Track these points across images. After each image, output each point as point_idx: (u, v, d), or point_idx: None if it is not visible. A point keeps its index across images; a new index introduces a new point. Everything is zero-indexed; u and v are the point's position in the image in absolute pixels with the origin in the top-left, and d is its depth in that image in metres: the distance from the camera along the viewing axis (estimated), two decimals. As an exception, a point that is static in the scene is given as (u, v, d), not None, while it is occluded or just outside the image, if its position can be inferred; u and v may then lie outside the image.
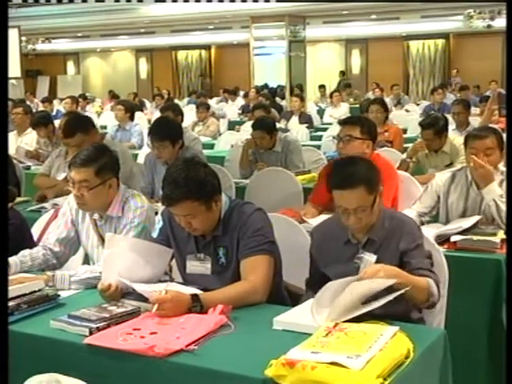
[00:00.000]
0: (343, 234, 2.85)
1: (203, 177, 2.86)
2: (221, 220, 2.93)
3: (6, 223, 1.76)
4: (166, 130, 4.95)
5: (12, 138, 7.92)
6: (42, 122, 7.18)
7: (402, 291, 2.50)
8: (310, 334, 2.31)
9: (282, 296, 3.04)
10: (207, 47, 24.04)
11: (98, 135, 5.23)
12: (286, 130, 8.08)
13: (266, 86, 16.25)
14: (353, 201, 2.71)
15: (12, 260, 3.21)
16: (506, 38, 3.33)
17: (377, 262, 2.74)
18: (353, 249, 2.83)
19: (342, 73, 21.26)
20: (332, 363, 2.05)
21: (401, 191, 4.36)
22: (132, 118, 8.81)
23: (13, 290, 2.81)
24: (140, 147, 8.25)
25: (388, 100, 8.76)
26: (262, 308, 2.73)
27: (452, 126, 6.76)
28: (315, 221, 3.75)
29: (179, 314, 2.56)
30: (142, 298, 2.70)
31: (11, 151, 7.46)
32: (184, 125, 6.68)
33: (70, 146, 5.12)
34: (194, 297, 2.64)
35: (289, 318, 2.50)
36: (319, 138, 8.80)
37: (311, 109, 13.78)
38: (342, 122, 4.38)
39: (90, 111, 13.87)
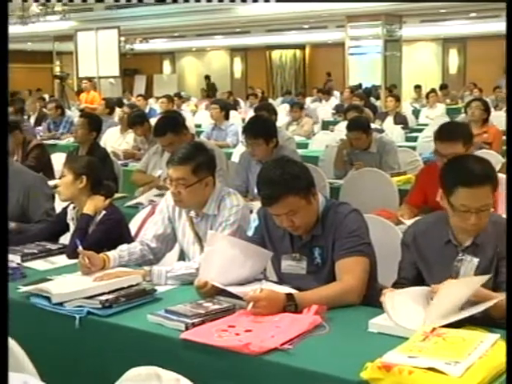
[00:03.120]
0: (444, 234, 2.77)
1: (298, 172, 2.86)
2: (319, 219, 2.91)
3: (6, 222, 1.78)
4: (260, 128, 4.98)
5: (115, 134, 8.21)
6: (137, 120, 7.35)
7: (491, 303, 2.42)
8: (406, 338, 2.27)
9: (377, 298, 3.00)
10: (302, 46, 24.04)
11: (189, 135, 5.30)
12: (381, 131, 7.98)
13: (360, 85, 16.10)
14: (480, 199, 2.59)
15: (111, 254, 3.28)
16: (506, 38, 3.17)
17: (477, 266, 2.66)
18: (452, 250, 2.74)
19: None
20: (429, 369, 2.01)
21: (500, 195, 4.22)
22: (227, 117, 8.87)
23: (111, 283, 2.89)
24: (235, 146, 8.32)
25: (488, 101, 8.53)
26: (356, 310, 2.70)
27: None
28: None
29: (274, 313, 2.56)
30: (237, 296, 2.71)
31: (113, 146, 7.71)
32: (278, 124, 6.69)
33: (162, 145, 5.23)
34: (289, 296, 2.63)
35: (385, 321, 2.46)
36: (414, 139, 8.65)
37: (406, 109, 13.55)
38: (442, 138, 4.12)
39: (185, 110, 14.07)
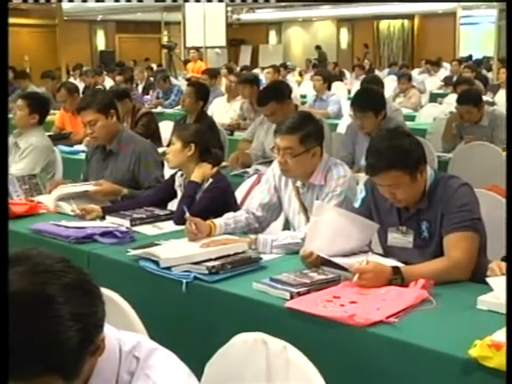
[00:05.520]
0: None
1: (408, 146, 2.80)
2: (426, 193, 2.85)
3: (6, 222, 1.80)
4: (369, 101, 4.92)
5: (221, 103, 8.31)
6: (250, 78, 7.53)
7: None
8: (517, 317, 2.20)
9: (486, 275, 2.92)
10: (410, 16, 23.48)
11: (292, 105, 5.27)
12: (492, 104, 7.73)
13: (470, 57, 15.62)
14: None
15: (217, 221, 3.33)
16: (506, 37, 2.95)
17: None
18: None
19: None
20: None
21: None
22: (329, 88, 8.85)
23: (218, 250, 2.93)
24: (336, 116, 8.27)
25: None
26: (465, 286, 2.64)
27: None
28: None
29: (379, 286, 2.54)
30: (342, 267, 2.70)
31: (221, 115, 7.80)
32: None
33: (264, 115, 5.22)
34: (396, 269, 2.60)
35: (495, 299, 2.39)
36: (529, 113, 8.33)
37: (520, 82, 13.03)
38: None
39: (291, 80, 14.03)
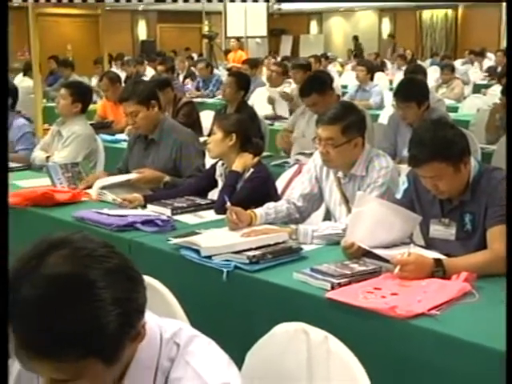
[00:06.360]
0: None
1: (451, 137, 2.76)
2: (469, 184, 2.81)
3: (6, 220, 1.80)
4: (413, 91, 4.87)
5: (262, 93, 8.34)
6: (303, 64, 7.66)
7: None
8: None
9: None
10: (454, 6, 23.14)
11: (335, 96, 5.24)
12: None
13: (515, 47, 15.32)
14: None
15: (258, 211, 3.32)
16: (506, 37, 2.84)
17: None
18: None
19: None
20: None
21: None
22: (372, 78, 8.80)
23: (259, 239, 2.94)
24: (378, 107, 8.21)
25: None
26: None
27: None
28: None
29: (421, 278, 2.52)
30: (383, 258, 2.69)
31: (263, 103, 7.85)
32: (427, 86, 6.50)
33: (306, 105, 5.22)
34: (438, 261, 2.58)
35: (539, 293, 2.35)
36: None
37: None
38: None
39: (332, 71, 13.96)
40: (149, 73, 12.56)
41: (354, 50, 22.44)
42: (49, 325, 1.19)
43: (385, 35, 24.76)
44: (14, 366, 1.45)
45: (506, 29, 3.17)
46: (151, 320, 1.41)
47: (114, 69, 13.49)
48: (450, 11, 23.29)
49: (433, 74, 11.07)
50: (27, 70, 10.44)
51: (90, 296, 1.23)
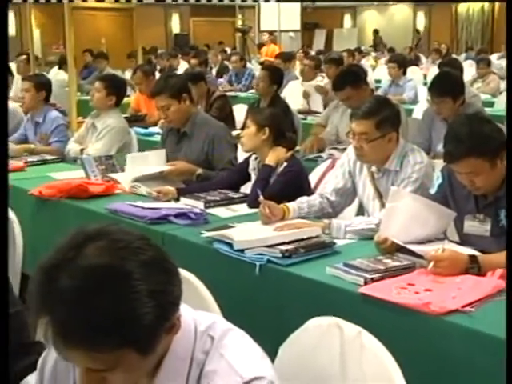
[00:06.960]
0: None
1: (488, 133, 2.72)
2: (504, 180, 2.78)
3: (6, 221, 1.80)
4: (448, 86, 4.82)
5: (295, 87, 8.34)
6: (335, 58, 7.69)
7: None
8: None
9: None
10: (491, -1, 22.86)
11: (368, 90, 5.21)
12: None
13: (553, 42, 15.09)
14: None
15: (290, 205, 3.32)
16: (506, 36, 2.77)
17: None
18: None
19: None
20: None
21: None
22: (405, 73, 8.73)
23: (291, 233, 2.93)
24: (412, 102, 8.15)
25: None
26: (544, 277, 2.57)
27: None
28: None
29: (455, 274, 2.50)
30: (417, 254, 2.67)
31: (296, 97, 7.87)
32: (463, 81, 6.44)
33: (340, 99, 5.19)
34: (472, 258, 2.56)
35: None
36: None
37: None
38: None
39: (365, 65, 13.88)
40: (182, 66, 12.60)
41: (373, 44, 22.27)
42: (86, 315, 1.21)
43: (419, 29, 24.54)
44: (51, 355, 1.47)
45: (506, 29, 3.12)
46: (186, 313, 1.41)
47: (154, 61, 13.52)
48: (486, 4, 22.99)
49: (468, 69, 10.95)
50: (62, 64, 10.53)
51: (126, 288, 1.23)
